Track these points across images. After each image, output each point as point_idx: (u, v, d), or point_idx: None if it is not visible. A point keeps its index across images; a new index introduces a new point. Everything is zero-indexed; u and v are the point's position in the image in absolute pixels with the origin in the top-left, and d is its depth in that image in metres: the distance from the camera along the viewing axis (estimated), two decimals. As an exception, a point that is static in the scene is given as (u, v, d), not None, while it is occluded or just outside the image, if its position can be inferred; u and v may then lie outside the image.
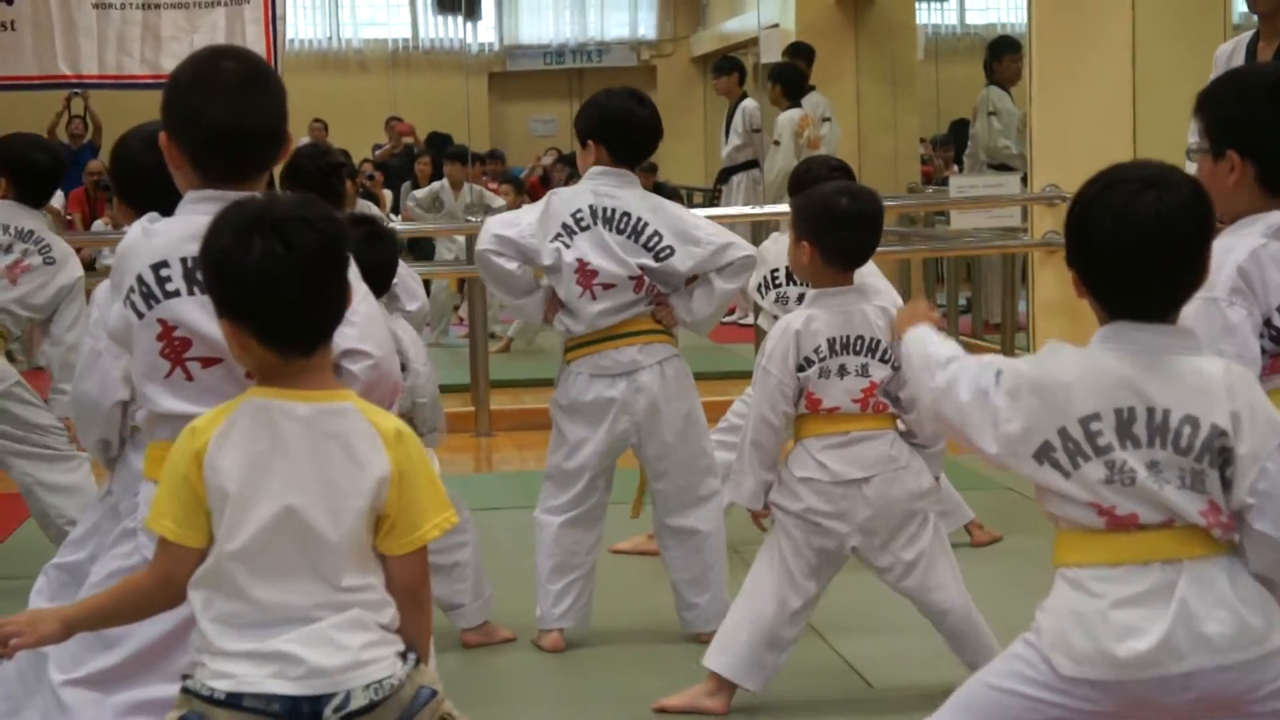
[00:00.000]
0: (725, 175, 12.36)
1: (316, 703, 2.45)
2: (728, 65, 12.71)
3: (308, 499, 2.50)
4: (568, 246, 4.76)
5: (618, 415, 4.78)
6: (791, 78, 11.57)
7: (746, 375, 7.40)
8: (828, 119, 11.53)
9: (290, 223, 2.53)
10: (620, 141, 4.83)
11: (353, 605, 2.51)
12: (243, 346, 2.56)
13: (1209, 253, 2.73)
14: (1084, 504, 2.66)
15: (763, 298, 5.53)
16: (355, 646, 2.48)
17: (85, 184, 14.92)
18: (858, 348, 4.13)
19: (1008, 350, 9.72)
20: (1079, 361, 2.70)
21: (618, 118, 4.85)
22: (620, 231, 4.76)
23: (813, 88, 11.79)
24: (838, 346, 4.12)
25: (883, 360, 4.14)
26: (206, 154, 3.00)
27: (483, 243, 4.82)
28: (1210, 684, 2.61)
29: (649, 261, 4.77)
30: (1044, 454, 2.68)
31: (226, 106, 2.97)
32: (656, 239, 4.77)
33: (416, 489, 2.56)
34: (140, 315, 2.99)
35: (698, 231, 4.82)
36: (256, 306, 2.53)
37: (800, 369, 4.12)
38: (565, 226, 4.77)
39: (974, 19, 14.95)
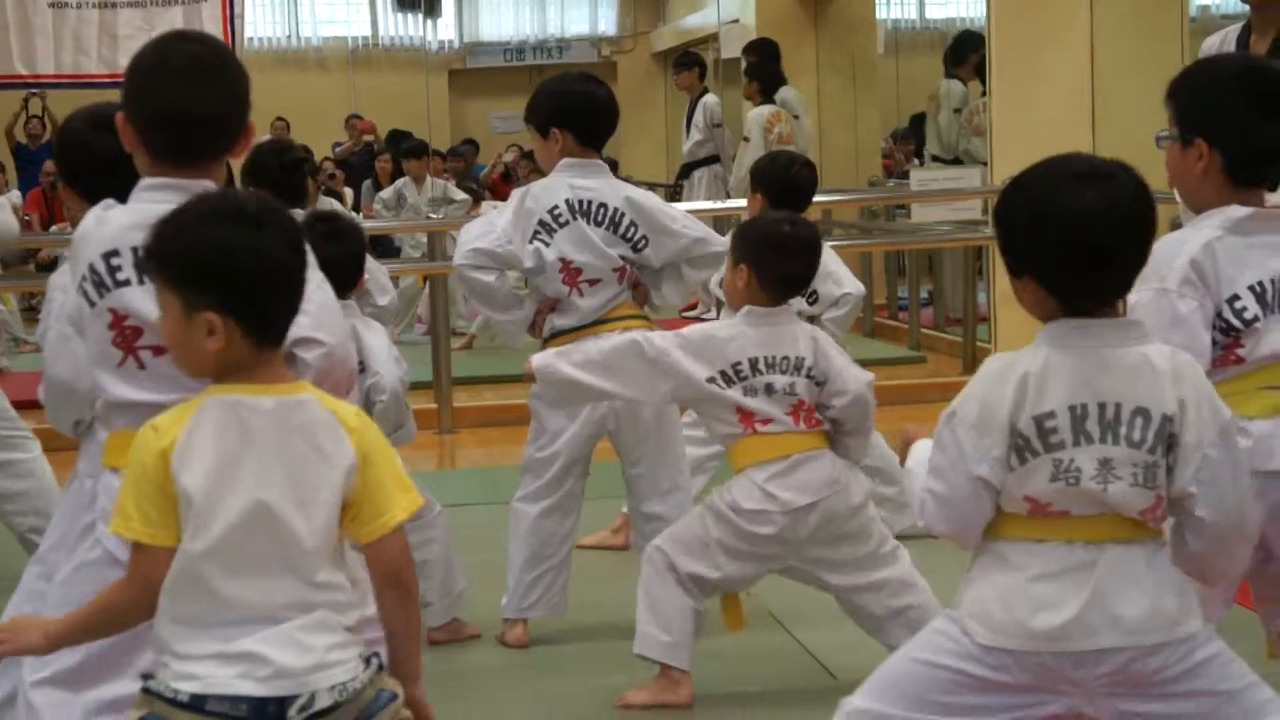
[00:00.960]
0: (686, 170, 12.37)
1: (282, 704, 2.44)
2: (688, 61, 12.71)
3: (278, 494, 2.50)
4: (547, 245, 4.73)
5: (598, 405, 4.75)
6: (765, 75, 11.59)
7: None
8: (796, 115, 11.55)
9: (269, 215, 2.54)
10: (585, 122, 4.79)
11: (321, 605, 2.50)
12: (225, 339, 2.51)
13: (1151, 241, 2.76)
14: (1018, 497, 2.70)
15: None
16: (321, 648, 2.48)
17: (42, 184, 14.85)
18: (784, 367, 4.15)
19: (969, 341, 9.77)
20: (1028, 362, 2.70)
21: (580, 101, 4.81)
22: (599, 224, 4.74)
23: (785, 81, 11.80)
24: (762, 365, 4.14)
25: (807, 375, 4.16)
26: (154, 133, 2.98)
27: (460, 258, 4.78)
28: (1119, 662, 2.66)
29: (627, 252, 4.76)
30: (995, 460, 2.69)
31: (178, 86, 2.96)
32: (633, 229, 4.76)
33: (380, 473, 2.56)
34: (92, 304, 2.98)
35: (673, 224, 4.81)
36: (256, 296, 2.52)
37: (713, 380, 4.12)
38: (543, 224, 4.73)
39: (934, 13, 14.99)
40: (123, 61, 9.89)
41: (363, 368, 4.58)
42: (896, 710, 2.75)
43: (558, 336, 4.78)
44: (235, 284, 2.51)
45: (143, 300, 2.92)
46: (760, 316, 4.18)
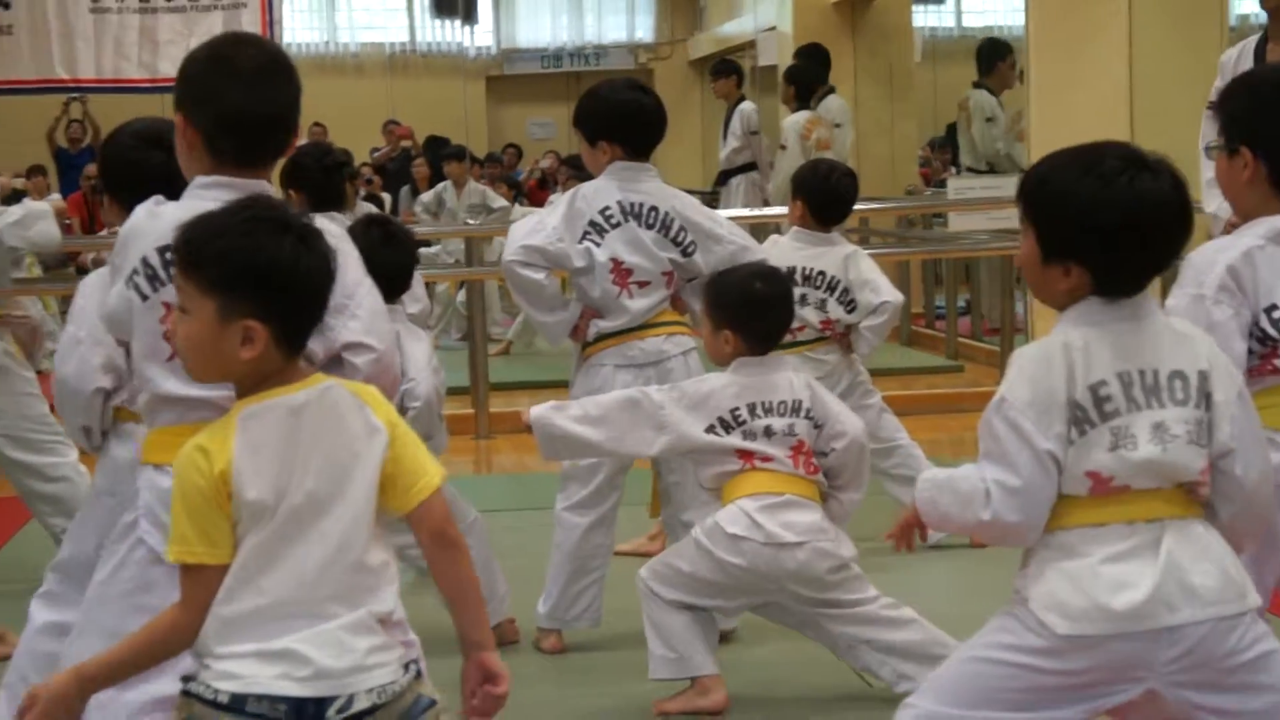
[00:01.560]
0: (724, 178, 12.36)
1: (320, 705, 2.44)
2: (726, 68, 12.70)
3: (321, 479, 2.51)
4: (598, 245, 4.72)
5: None
6: (804, 79, 11.55)
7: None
8: (839, 125, 11.52)
9: (309, 228, 2.57)
10: (635, 135, 4.79)
11: (362, 598, 2.50)
12: (257, 349, 2.51)
13: (1190, 229, 2.76)
14: (1080, 474, 2.68)
15: None
16: (362, 649, 2.48)
17: (83, 188, 14.92)
18: (781, 410, 4.17)
19: (1006, 350, 9.73)
20: (1065, 339, 2.71)
21: (630, 111, 4.81)
22: (650, 227, 4.74)
23: (832, 89, 11.77)
24: (759, 410, 4.16)
25: (806, 418, 4.18)
26: (222, 136, 3.01)
27: (510, 254, 4.75)
28: (1195, 639, 2.64)
29: (677, 256, 4.76)
30: (1058, 436, 2.67)
31: (246, 89, 3.00)
32: (683, 234, 4.76)
33: (407, 441, 2.60)
34: (145, 297, 2.99)
35: (719, 229, 4.81)
36: (296, 308, 2.54)
37: (712, 429, 4.15)
38: (594, 224, 4.73)
39: (971, 21, 14.99)
40: (163, 66, 9.95)
41: (401, 374, 4.60)
42: (960, 710, 2.72)
43: (602, 340, 4.78)
44: (280, 294, 2.52)
45: None
46: (753, 366, 4.21)
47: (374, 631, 2.51)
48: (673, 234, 4.75)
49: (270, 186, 3.09)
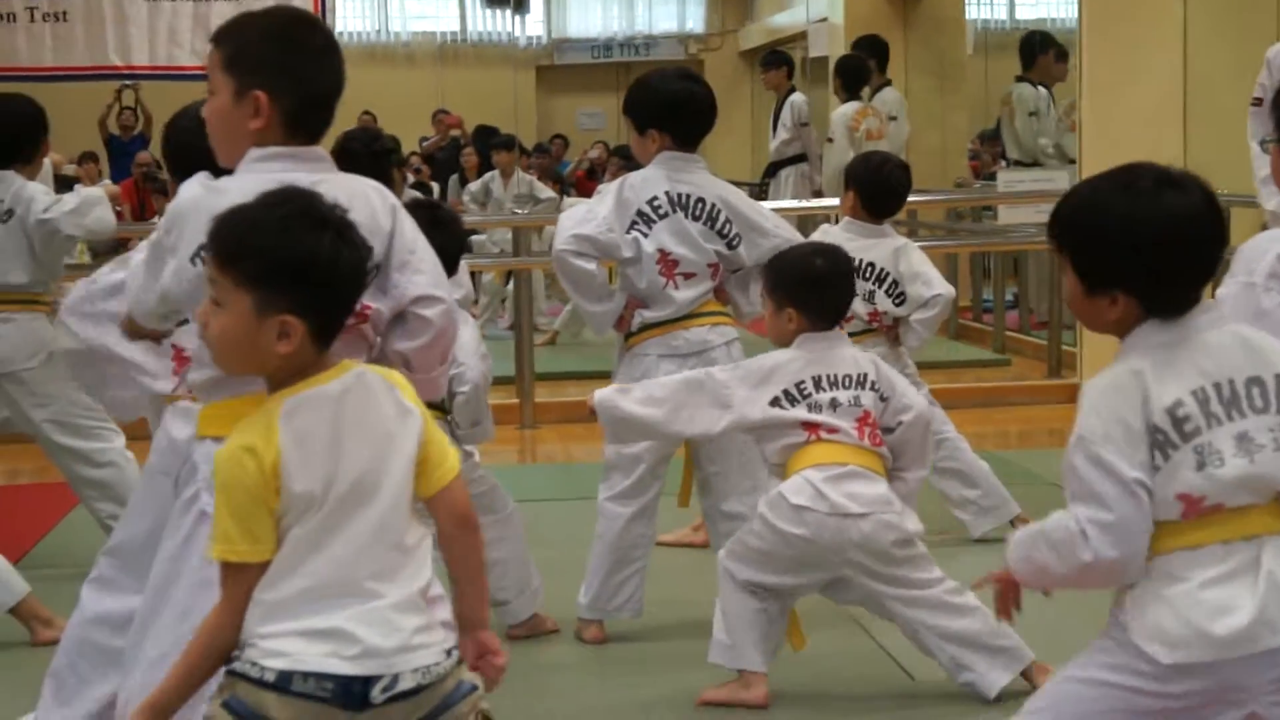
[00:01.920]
0: (773, 169, 12.33)
1: (367, 683, 2.45)
2: (776, 59, 12.67)
3: (364, 464, 2.53)
4: (646, 236, 4.72)
5: None
6: (853, 71, 11.51)
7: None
8: (894, 117, 11.47)
9: (347, 222, 2.58)
10: (684, 125, 4.79)
11: (407, 577, 2.52)
12: (293, 344, 2.53)
13: (1225, 242, 2.73)
14: (1170, 498, 2.63)
15: None
16: (409, 629, 2.50)
17: (135, 175, 15.01)
18: (845, 384, 4.17)
19: (1054, 345, 9.68)
20: (1134, 367, 2.66)
21: (680, 100, 4.80)
22: (697, 219, 4.74)
23: (888, 82, 11.73)
24: (824, 383, 4.16)
25: (872, 389, 4.18)
26: (308, 113, 3.06)
27: (561, 243, 4.75)
28: None
29: (722, 248, 4.76)
30: (1150, 462, 2.63)
31: (320, 67, 3.08)
32: (729, 226, 4.76)
33: (434, 428, 2.64)
34: None
35: (765, 222, 4.82)
36: (333, 303, 2.56)
37: (778, 401, 4.14)
38: (642, 214, 4.73)
39: (1024, 14, 14.87)
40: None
41: None
42: None
43: (647, 330, 4.78)
44: (319, 290, 2.54)
45: None
46: (817, 341, 4.21)
47: (420, 610, 2.53)
48: (718, 226, 4.74)
49: (325, 156, 3.10)
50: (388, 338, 3.08)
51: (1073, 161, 10.48)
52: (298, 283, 2.52)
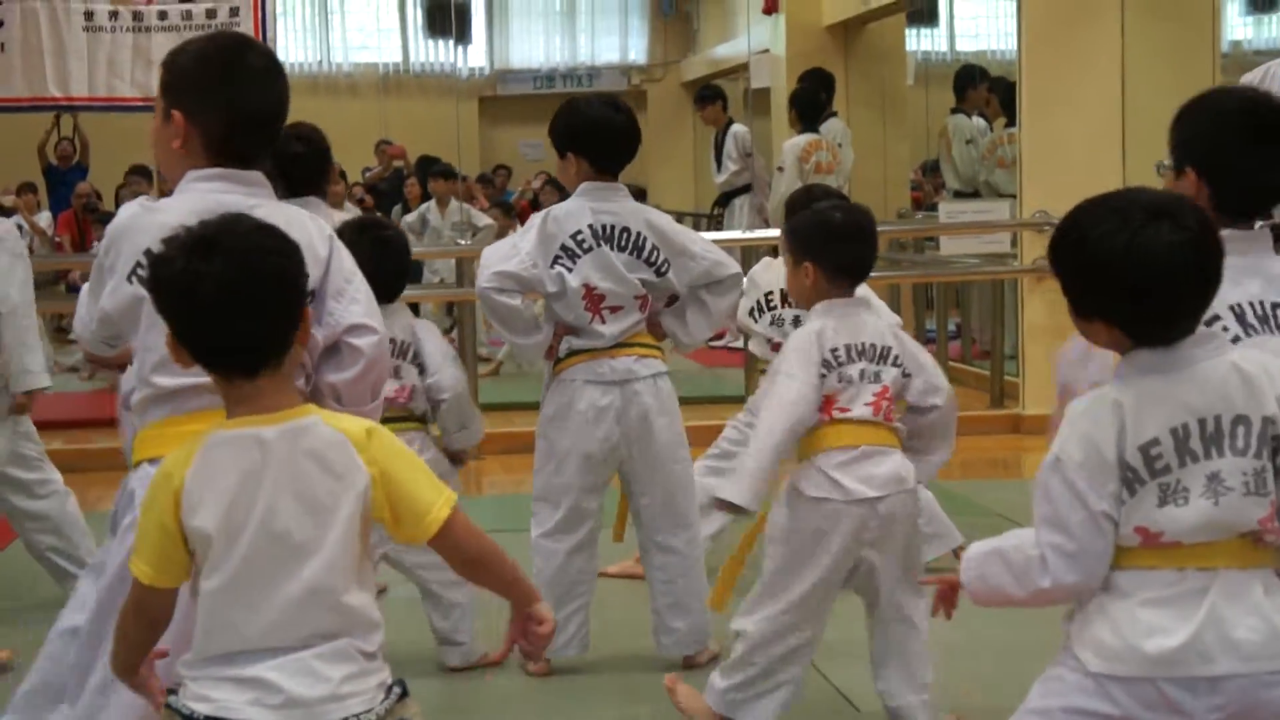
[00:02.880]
0: (725, 199, 12.36)
1: None
2: (710, 94, 12.77)
3: (293, 523, 2.48)
4: (570, 270, 4.71)
5: (610, 423, 4.73)
6: (808, 103, 11.57)
7: (736, 400, 7.42)
8: (840, 144, 11.55)
9: (225, 244, 2.48)
10: (600, 151, 4.77)
11: (344, 632, 2.49)
12: (188, 365, 2.55)
13: (1221, 271, 2.69)
14: (1129, 530, 2.63)
15: (756, 322, 5.47)
16: (336, 678, 2.46)
17: (74, 206, 14.90)
18: (871, 355, 4.09)
19: (996, 375, 9.73)
20: (1118, 397, 2.65)
21: (595, 126, 4.78)
22: (623, 249, 4.72)
23: (834, 113, 11.79)
24: (853, 353, 4.07)
25: (894, 365, 4.11)
26: (239, 135, 3.04)
27: (483, 280, 4.72)
28: (1236, 692, 2.58)
29: (650, 276, 4.75)
30: (1111, 496, 2.63)
31: (260, 90, 3.06)
32: (655, 253, 4.74)
33: (404, 482, 2.54)
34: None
35: (693, 246, 4.81)
36: (182, 323, 2.52)
37: (821, 374, 4.05)
38: (565, 249, 4.71)
39: (964, 45, 14.96)
40: (156, 85, 9.96)
41: (422, 369, 4.65)
42: None
43: (573, 356, 4.77)
44: (167, 310, 2.53)
45: None
46: (839, 307, 4.12)
47: (351, 659, 2.49)
48: (645, 254, 4.74)
49: (263, 180, 3.08)
50: (319, 369, 3.06)
51: (1001, 195, 10.58)
52: (159, 303, 2.53)
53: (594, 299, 4.71)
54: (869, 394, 4.07)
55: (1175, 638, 2.58)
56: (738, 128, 12.23)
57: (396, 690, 2.53)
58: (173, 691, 2.52)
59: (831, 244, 4.13)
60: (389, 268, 4.51)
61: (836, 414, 4.06)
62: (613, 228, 4.72)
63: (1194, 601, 2.60)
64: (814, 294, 4.15)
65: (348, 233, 4.16)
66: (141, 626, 2.59)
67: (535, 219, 4.82)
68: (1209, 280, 2.66)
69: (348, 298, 3.06)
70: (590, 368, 4.74)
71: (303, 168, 4.82)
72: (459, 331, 9.43)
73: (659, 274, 4.75)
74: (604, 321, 4.72)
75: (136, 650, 2.62)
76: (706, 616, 4.82)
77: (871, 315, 4.18)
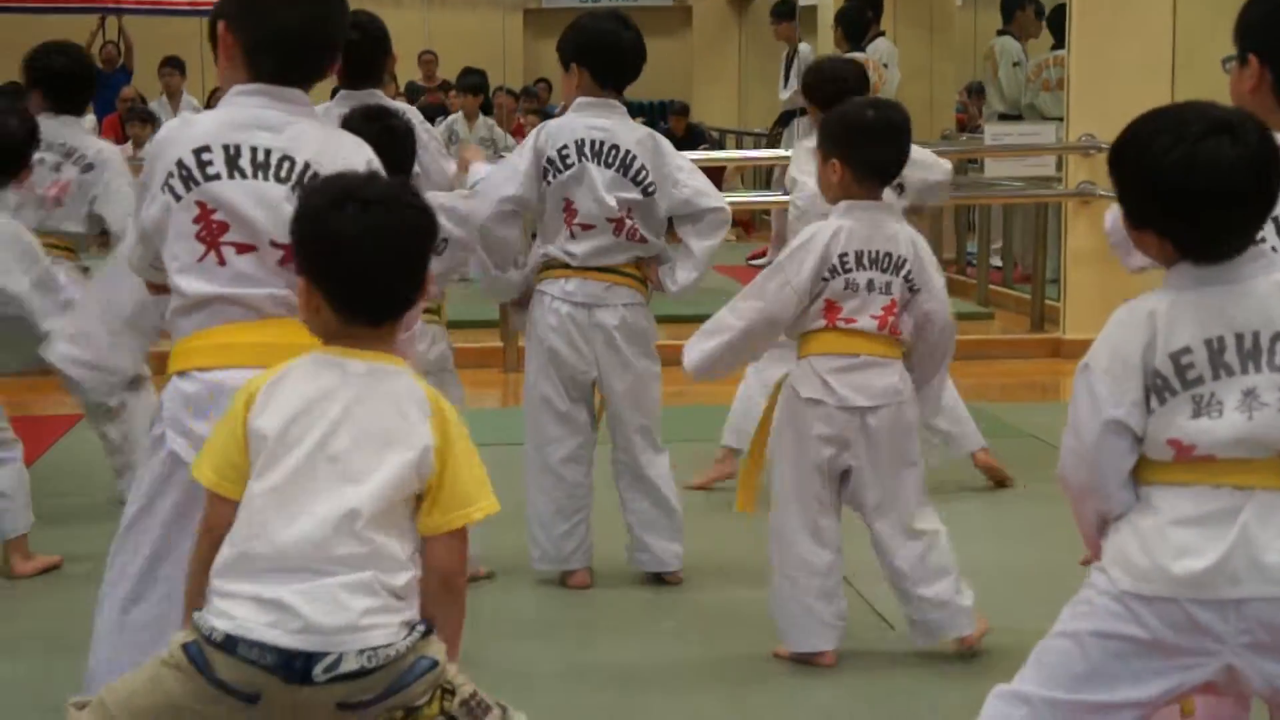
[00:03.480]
0: (786, 118, 12.27)
1: (309, 660, 2.45)
2: (785, 10, 12.59)
3: (349, 448, 2.53)
4: (549, 185, 4.71)
5: (576, 340, 4.75)
6: (853, 21, 11.47)
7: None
8: (885, 65, 11.45)
9: (385, 200, 2.59)
10: (604, 65, 4.75)
11: (370, 565, 2.51)
12: (314, 308, 2.61)
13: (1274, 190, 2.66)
14: (1161, 441, 2.62)
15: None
16: (357, 610, 2.48)
17: (119, 110, 14.91)
18: (884, 265, 4.06)
19: (1038, 299, 9.69)
20: (1155, 305, 2.64)
21: (601, 40, 4.76)
22: (609, 165, 4.71)
23: (882, 33, 11.69)
24: (865, 260, 4.05)
25: (905, 280, 4.09)
26: (265, 53, 3.03)
27: (487, 209, 4.69)
28: (1261, 616, 2.57)
29: (636, 195, 4.72)
30: (1135, 405, 2.62)
31: (295, 11, 3.03)
32: (643, 173, 4.72)
33: (461, 466, 2.58)
34: (178, 197, 2.99)
35: (678, 173, 4.76)
36: (335, 271, 2.58)
37: (824, 278, 4.05)
38: (550, 162, 4.71)
39: (1014, -35, 14.80)
40: (201, -10, 9.93)
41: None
42: (1042, 690, 2.68)
43: (549, 269, 4.78)
44: (315, 255, 2.61)
45: (233, 193, 2.97)
46: (861, 209, 4.09)
47: (375, 594, 2.50)
48: (632, 173, 4.72)
49: (308, 101, 3.09)
50: None
51: (1045, 118, 10.48)
52: (305, 246, 2.62)
53: (570, 213, 4.72)
54: (876, 306, 4.07)
55: (1204, 559, 2.57)
56: (805, 47, 12.09)
57: (420, 628, 2.54)
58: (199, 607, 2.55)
59: (861, 143, 4.08)
60: (395, 157, 4.45)
61: (841, 324, 4.06)
62: (601, 144, 4.71)
63: (1226, 521, 2.59)
64: (840, 191, 4.11)
65: (355, 121, 4.14)
66: (206, 546, 2.60)
67: (532, 133, 4.84)
68: (1266, 198, 2.63)
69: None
70: (559, 285, 4.76)
71: (359, 56, 4.71)
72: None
73: (645, 193, 4.73)
74: (574, 238, 4.72)
75: (206, 571, 2.61)
76: (680, 536, 4.89)
77: (893, 221, 4.13)
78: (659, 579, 4.92)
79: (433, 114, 15.32)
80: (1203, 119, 2.61)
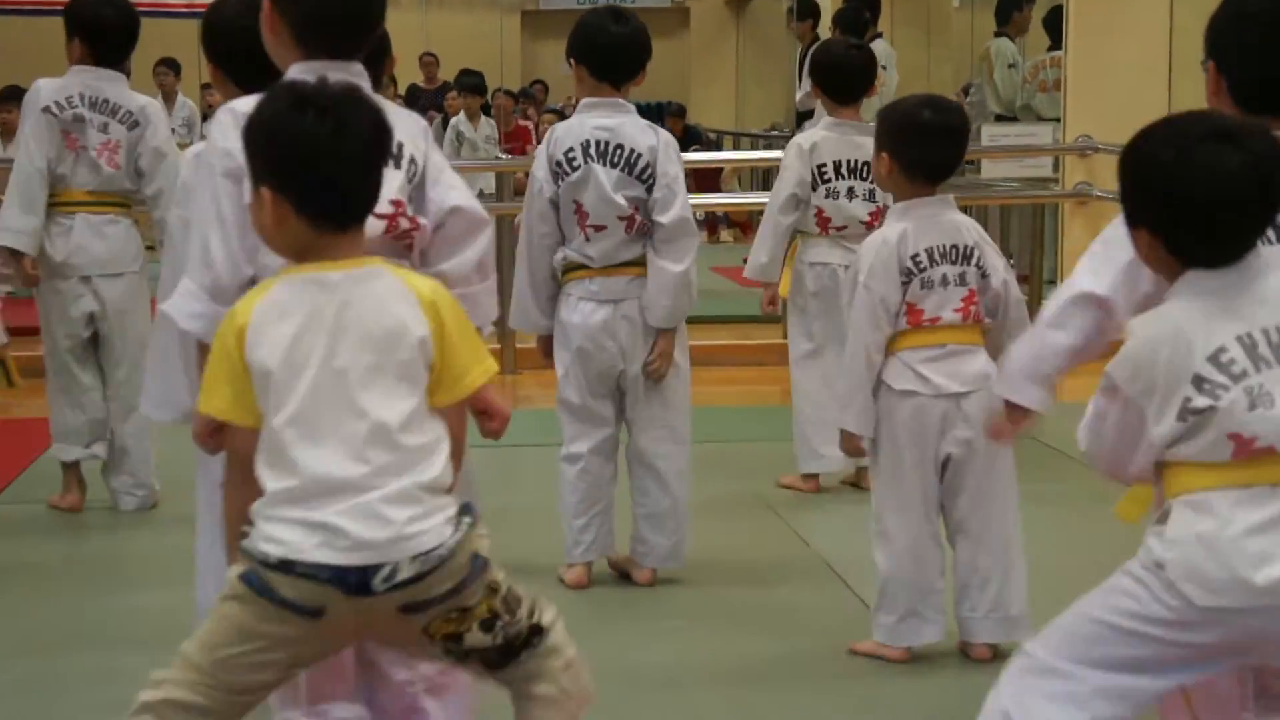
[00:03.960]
0: (800, 119, 12.27)
1: (364, 573, 2.51)
2: (808, 10, 12.59)
3: (351, 360, 2.58)
4: (559, 187, 4.74)
5: (603, 336, 4.76)
6: (852, 21, 11.48)
7: (773, 319, 7.41)
8: (884, 67, 11.45)
9: (344, 101, 2.62)
10: (599, 61, 4.78)
11: (404, 471, 2.56)
12: (279, 219, 2.62)
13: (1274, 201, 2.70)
14: (1221, 437, 2.62)
15: (812, 193, 5.66)
16: (401, 520, 2.54)
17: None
18: (953, 257, 4.09)
19: (1034, 299, 9.70)
20: (1178, 315, 2.67)
21: (595, 36, 4.79)
22: (614, 165, 4.73)
23: (879, 34, 11.70)
24: (936, 255, 4.07)
25: (978, 267, 4.11)
26: (314, 30, 3.05)
27: (527, 236, 4.82)
28: None
29: (642, 193, 4.74)
30: (1186, 412, 2.63)
31: None
32: (648, 170, 4.74)
33: (457, 343, 2.66)
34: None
35: (664, 177, 4.74)
36: (301, 174, 2.60)
37: (903, 282, 4.07)
38: (559, 165, 4.75)
39: (1011, -34, 14.83)
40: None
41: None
42: (1072, 666, 2.69)
43: (572, 270, 4.79)
44: (277, 160, 2.61)
45: None
46: (922, 207, 4.11)
47: (415, 501, 2.56)
48: (638, 171, 4.73)
49: (363, 72, 3.09)
50: (428, 260, 3.12)
51: (1041, 119, 10.49)
52: (266, 153, 2.63)
53: (582, 215, 4.75)
54: (956, 299, 4.09)
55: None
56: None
57: (466, 521, 2.60)
58: (246, 533, 2.58)
59: (913, 142, 4.10)
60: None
61: (926, 324, 4.08)
62: (606, 144, 4.73)
63: None
64: (892, 184, 4.16)
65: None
66: (237, 472, 2.65)
67: (545, 140, 4.89)
68: (1269, 205, 2.67)
69: (444, 184, 3.13)
70: (584, 285, 4.78)
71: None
72: (497, 245, 9.42)
73: (649, 190, 4.75)
74: (589, 240, 4.74)
75: (242, 498, 2.65)
76: (684, 538, 4.89)
77: (954, 212, 4.16)
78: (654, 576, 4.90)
79: (435, 108, 15.37)
80: (1207, 126, 2.66)
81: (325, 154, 2.59)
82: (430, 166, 3.14)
